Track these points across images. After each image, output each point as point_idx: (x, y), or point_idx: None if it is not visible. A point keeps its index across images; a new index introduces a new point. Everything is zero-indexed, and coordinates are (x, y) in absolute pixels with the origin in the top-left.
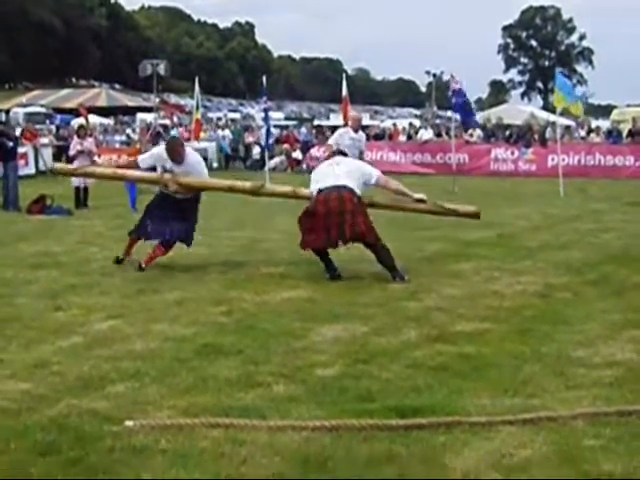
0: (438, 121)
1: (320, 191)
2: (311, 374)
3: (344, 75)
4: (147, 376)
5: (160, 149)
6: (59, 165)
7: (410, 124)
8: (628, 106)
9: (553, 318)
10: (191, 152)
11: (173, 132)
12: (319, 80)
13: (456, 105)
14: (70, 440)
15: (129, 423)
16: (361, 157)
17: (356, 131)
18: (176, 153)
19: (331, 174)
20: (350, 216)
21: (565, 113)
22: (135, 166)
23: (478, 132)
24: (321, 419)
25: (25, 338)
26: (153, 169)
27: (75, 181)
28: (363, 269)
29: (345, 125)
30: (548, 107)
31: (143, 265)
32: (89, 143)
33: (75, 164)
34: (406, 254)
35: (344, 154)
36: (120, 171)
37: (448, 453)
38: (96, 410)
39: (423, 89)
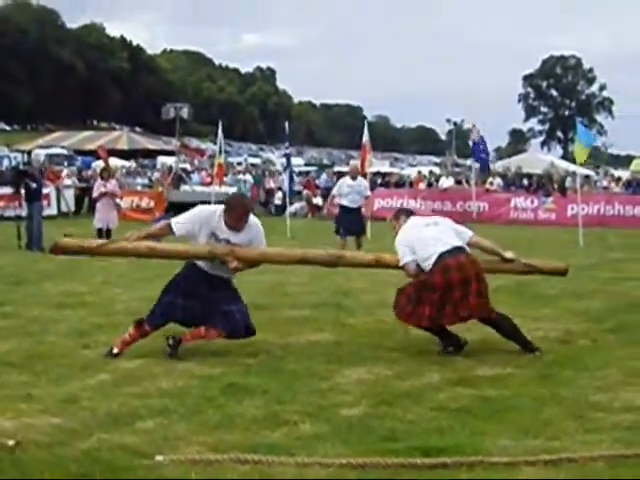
0: (458, 169)
1: (439, 257)
2: (336, 414)
3: (365, 122)
4: (175, 413)
5: (206, 210)
6: (69, 240)
7: (430, 172)
8: None
9: (573, 364)
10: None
11: (194, 176)
12: (339, 126)
13: (476, 154)
14: (103, 472)
15: (159, 457)
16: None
17: (354, 178)
18: (243, 216)
19: (435, 235)
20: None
21: (584, 164)
22: (167, 232)
23: (498, 180)
24: (347, 457)
25: (55, 374)
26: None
27: (98, 222)
28: (387, 314)
29: (363, 174)
30: (568, 157)
31: (184, 342)
32: (112, 185)
33: (98, 206)
34: None
35: (411, 213)
36: (159, 246)
37: None
38: (127, 444)
39: (443, 137)
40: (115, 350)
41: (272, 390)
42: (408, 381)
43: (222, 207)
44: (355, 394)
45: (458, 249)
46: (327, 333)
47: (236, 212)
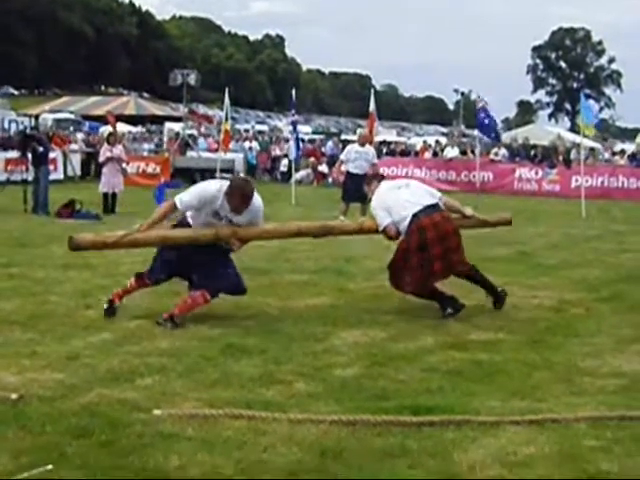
0: (465, 139)
1: (413, 218)
2: (330, 374)
3: (372, 91)
4: (174, 371)
5: (210, 190)
6: (84, 236)
7: (437, 141)
8: None
9: (565, 331)
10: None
11: (200, 142)
12: (347, 95)
13: (480, 124)
14: (102, 425)
15: (157, 412)
16: (374, 169)
17: (362, 145)
18: (244, 202)
19: (409, 197)
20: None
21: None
22: (173, 210)
23: (503, 151)
24: (338, 414)
25: (58, 333)
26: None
27: (103, 187)
28: (384, 278)
29: (370, 141)
30: (575, 129)
31: (176, 317)
32: (119, 150)
33: (104, 170)
34: None
35: (382, 177)
36: (169, 233)
37: (457, 449)
38: (126, 399)
39: (451, 107)
40: (111, 297)
41: (269, 351)
42: (402, 344)
43: (225, 186)
44: (349, 355)
45: (432, 207)
46: (325, 297)
47: (238, 198)
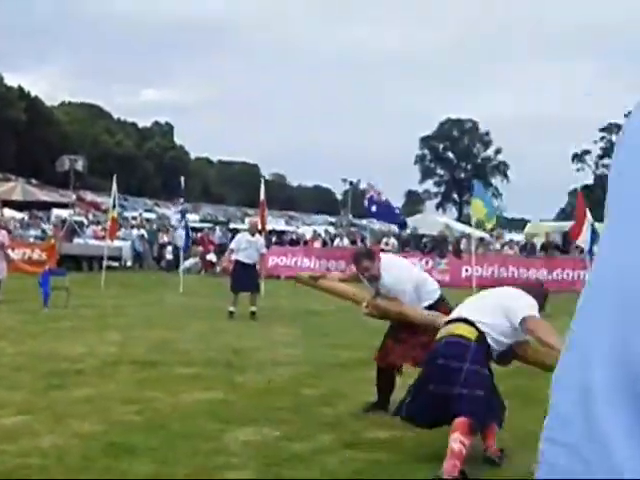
0: (353, 229)
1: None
2: (221, 477)
3: (262, 180)
4: (55, 474)
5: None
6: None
7: (326, 231)
8: (541, 221)
9: None
10: None
11: (88, 230)
12: (235, 183)
13: (375, 213)
14: None
15: None
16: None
17: (253, 235)
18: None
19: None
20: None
21: (480, 225)
22: None
23: (393, 241)
24: None
25: None
26: None
27: None
28: (278, 373)
29: (262, 230)
30: (463, 219)
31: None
32: (1, 236)
33: None
34: (318, 360)
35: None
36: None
37: None
38: None
39: (339, 197)
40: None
41: (157, 450)
42: (298, 443)
43: None
44: (242, 456)
45: None
46: (215, 391)
47: None
